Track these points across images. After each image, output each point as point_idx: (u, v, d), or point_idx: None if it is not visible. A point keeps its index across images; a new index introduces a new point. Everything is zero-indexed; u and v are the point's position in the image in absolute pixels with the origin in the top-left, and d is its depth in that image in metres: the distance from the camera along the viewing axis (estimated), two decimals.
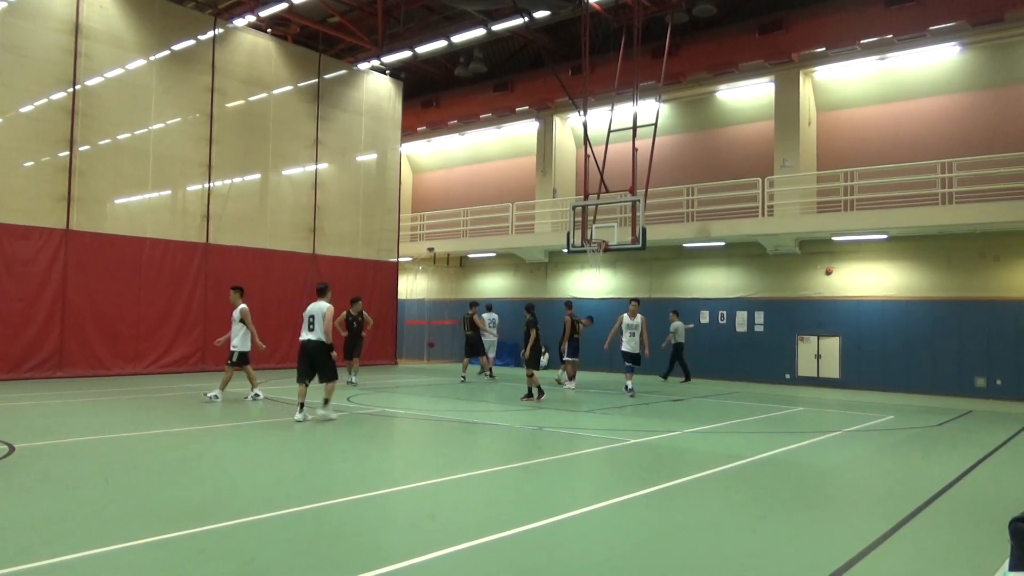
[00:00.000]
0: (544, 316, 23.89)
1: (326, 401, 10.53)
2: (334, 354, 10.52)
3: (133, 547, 4.61)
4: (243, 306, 12.75)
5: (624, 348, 15.23)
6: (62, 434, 9.03)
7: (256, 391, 12.79)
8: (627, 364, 15.32)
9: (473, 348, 18.27)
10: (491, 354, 20.05)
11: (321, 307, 10.49)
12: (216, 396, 12.49)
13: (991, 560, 4.77)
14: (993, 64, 18.20)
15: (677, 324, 19.45)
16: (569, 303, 18.22)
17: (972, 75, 18.49)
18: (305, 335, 10.42)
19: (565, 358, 17.19)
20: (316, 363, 10.36)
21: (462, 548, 4.73)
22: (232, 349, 12.65)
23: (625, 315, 15.29)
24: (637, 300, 15.79)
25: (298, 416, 10.33)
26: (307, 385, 10.48)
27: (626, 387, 15.30)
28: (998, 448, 9.64)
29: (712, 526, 5.55)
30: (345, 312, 16.03)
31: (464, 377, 18.03)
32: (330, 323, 10.45)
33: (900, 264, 18.35)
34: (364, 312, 16.43)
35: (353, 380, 15.90)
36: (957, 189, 17.24)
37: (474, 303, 18.88)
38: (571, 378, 17.08)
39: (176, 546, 4.65)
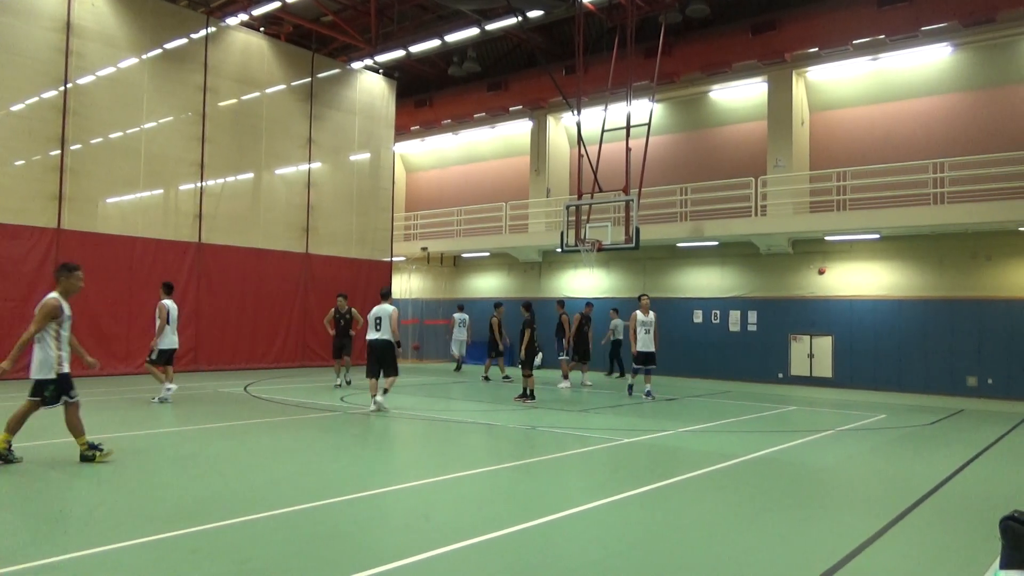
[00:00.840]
0: (544, 316, 24.05)
1: (385, 391, 11.54)
2: (399, 350, 11.85)
3: (125, 547, 4.59)
4: (163, 302, 12.35)
5: (640, 348, 14.25)
6: (53, 435, 8.98)
7: (164, 394, 12.08)
8: (647, 367, 14.36)
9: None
10: (461, 352, 21.67)
11: (387, 309, 11.63)
12: (164, 398, 12.08)
13: (982, 558, 4.80)
14: (984, 65, 18.29)
15: (617, 322, 19.87)
16: (561, 302, 18.20)
17: (964, 76, 18.58)
18: (373, 335, 11.52)
19: (561, 357, 17.16)
20: (383, 359, 11.47)
21: (456, 548, 4.73)
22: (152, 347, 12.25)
23: (638, 312, 14.37)
24: (647, 296, 15.30)
25: (372, 407, 11.34)
26: (377, 379, 11.44)
27: (647, 392, 14.32)
28: (989, 447, 9.69)
29: (706, 525, 5.56)
30: (332, 310, 15.86)
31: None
32: (396, 323, 11.60)
33: (892, 264, 18.42)
34: (353, 309, 16.07)
35: (345, 381, 15.49)
36: (949, 189, 17.32)
37: (498, 304, 18.88)
38: (564, 376, 17.07)
39: (169, 547, 4.63)
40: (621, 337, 19.43)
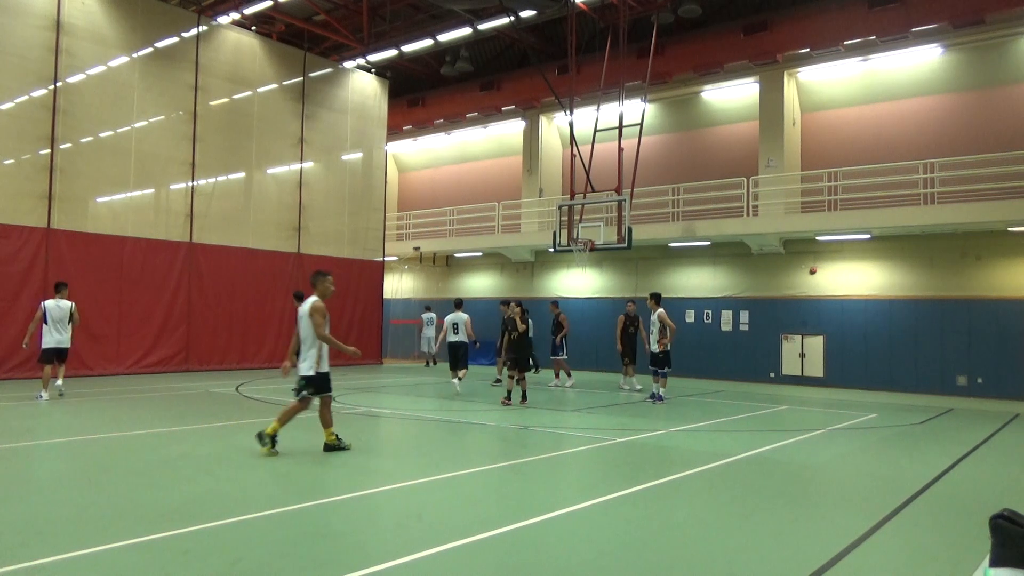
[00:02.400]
0: (537, 316, 24.03)
1: (460, 378, 14.95)
2: (478, 346, 16.35)
3: (116, 548, 4.56)
4: (43, 303, 12.47)
5: (653, 349, 14.01)
6: (43, 435, 8.93)
7: (42, 392, 12.08)
8: (664, 369, 13.89)
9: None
10: (430, 349, 23.11)
11: (462, 316, 15.33)
12: (41, 396, 12.02)
13: (972, 556, 4.83)
14: (974, 66, 18.40)
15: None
16: (555, 302, 18.20)
17: (954, 76, 18.68)
18: (452, 337, 15.21)
19: (560, 356, 17.11)
20: (460, 356, 15.09)
21: (449, 548, 4.72)
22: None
23: (652, 315, 14.05)
24: (632, 303, 15.18)
25: (458, 389, 14.62)
26: (456, 371, 14.93)
27: (657, 395, 13.87)
28: (979, 446, 9.75)
29: (698, 524, 5.57)
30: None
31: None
32: (470, 327, 15.33)
33: (883, 263, 18.51)
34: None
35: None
36: (939, 189, 17.41)
37: (518, 303, 18.43)
38: (557, 375, 17.10)
39: (160, 547, 4.61)
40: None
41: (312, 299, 7.98)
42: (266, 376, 17.21)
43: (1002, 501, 6.40)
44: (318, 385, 7.96)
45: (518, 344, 13.11)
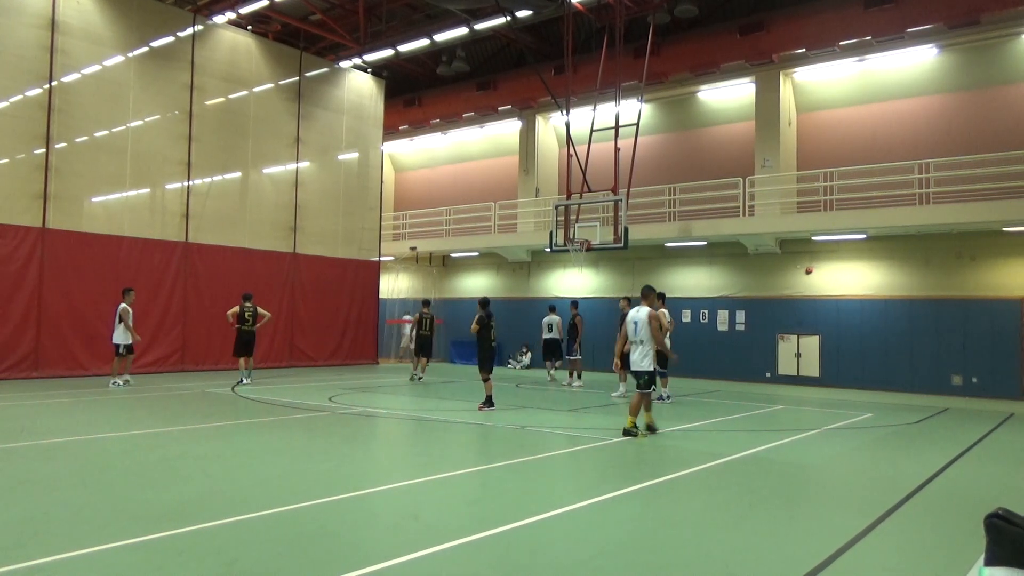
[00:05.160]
0: (534, 316, 24.03)
1: (556, 368, 18.33)
2: (564, 344, 17.58)
3: (111, 549, 4.56)
4: None
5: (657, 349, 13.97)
6: (39, 435, 8.91)
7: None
8: (665, 369, 13.53)
9: (552, 351, 18.54)
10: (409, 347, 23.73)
11: (555, 319, 18.27)
12: None
13: (967, 555, 4.84)
14: (969, 66, 18.45)
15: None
16: (575, 302, 18.45)
17: (949, 77, 18.73)
18: (546, 334, 18.24)
19: (574, 356, 17.31)
20: (554, 350, 17.55)
21: (445, 548, 4.73)
22: None
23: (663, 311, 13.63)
24: (625, 299, 15.02)
25: (548, 379, 17.55)
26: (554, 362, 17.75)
27: (663, 395, 13.94)
28: (974, 445, 9.78)
29: (695, 523, 5.58)
30: (238, 307, 15.88)
31: (552, 377, 18.60)
32: (560, 328, 17.92)
33: (878, 263, 18.56)
34: (257, 307, 16.21)
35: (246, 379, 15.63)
36: (934, 189, 17.46)
37: (574, 302, 18.45)
38: (571, 375, 17.44)
39: (156, 548, 4.60)
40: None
41: (648, 308, 9.72)
42: (262, 376, 17.17)
43: (997, 500, 6.42)
44: (652, 379, 9.65)
45: (480, 345, 12.42)
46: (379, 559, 4.44)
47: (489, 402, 12.13)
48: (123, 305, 14.58)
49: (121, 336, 14.51)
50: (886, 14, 17.76)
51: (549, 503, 6.02)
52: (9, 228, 15.80)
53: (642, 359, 9.56)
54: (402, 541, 4.92)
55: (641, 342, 9.59)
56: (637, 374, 9.64)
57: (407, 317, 24.16)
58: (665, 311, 13.99)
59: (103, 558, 4.40)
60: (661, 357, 13.46)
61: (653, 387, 9.75)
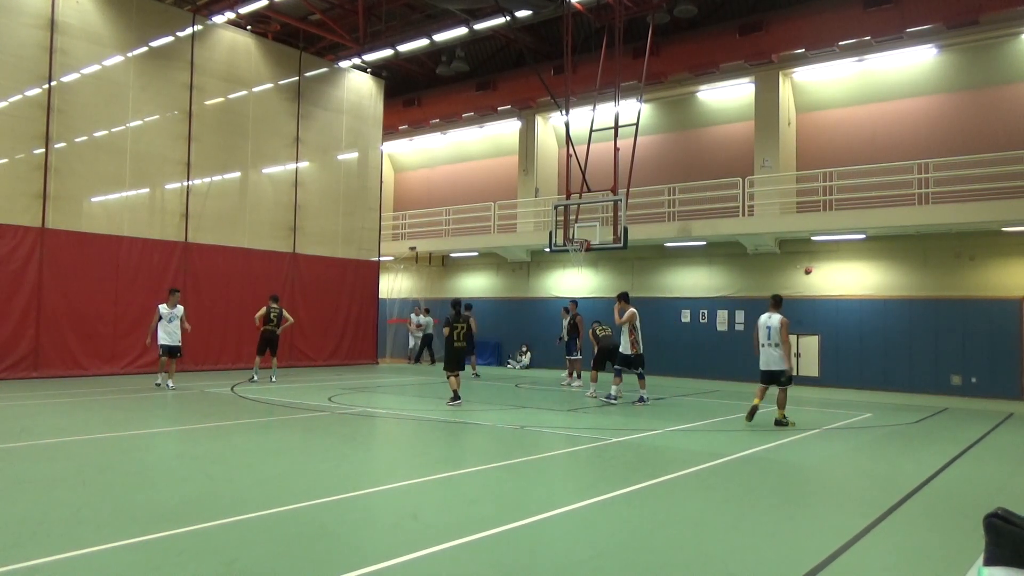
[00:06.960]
0: (533, 316, 24.05)
1: (579, 375, 17.25)
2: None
3: (111, 549, 4.55)
4: None
5: (625, 351, 13.67)
6: (38, 435, 8.90)
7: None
8: (639, 370, 13.73)
9: (569, 349, 18.40)
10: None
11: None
12: None
13: (966, 555, 4.85)
14: (969, 66, 18.45)
15: (428, 319, 24.13)
16: (575, 301, 18.62)
17: (948, 77, 18.74)
18: (605, 341, 15.77)
19: (574, 356, 17.35)
20: (611, 356, 14.67)
21: (445, 548, 4.73)
22: None
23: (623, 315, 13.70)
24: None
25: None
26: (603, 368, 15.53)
27: (612, 395, 13.79)
28: (973, 445, 9.79)
29: (694, 524, 5.58)
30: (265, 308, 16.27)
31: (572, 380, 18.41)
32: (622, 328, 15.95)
33: (878, 263, 18.56)
34: (283, 310, 16.74)
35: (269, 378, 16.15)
36: (934, 189, 17.47)
37: (574, 301, 18.81)
38: (570, 375, 17.49)
39: (155, 548, 4.60)
40: (431, 332, 20.83)
41: (779, 315, 10.99)
42: (261, 377, 17.13)
43: (996, 500, 6.43)
44: (791, 376, 10.99)
45: (446, 345, 12.78)
46: (378, 559, 4.44)
47: (456, 397, 12.63)
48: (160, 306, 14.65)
49: (163, 337, 14.43)
50: (885, 14, 17.77)
51: (548, 503, 6.02)
52: (8, 228, 15.79)
53: (779, 360, 10.86)
54: (401, 541, 4.92)
55: (776, 345, 10.89)
56: (777, 373, 10.87)
57: (420, 320, 24.84)
58: (634, 309, 13.67)
59: (102, 558, 4.40)
60: (637, 358, 13.51)
61: (791, 381, 11.14)
